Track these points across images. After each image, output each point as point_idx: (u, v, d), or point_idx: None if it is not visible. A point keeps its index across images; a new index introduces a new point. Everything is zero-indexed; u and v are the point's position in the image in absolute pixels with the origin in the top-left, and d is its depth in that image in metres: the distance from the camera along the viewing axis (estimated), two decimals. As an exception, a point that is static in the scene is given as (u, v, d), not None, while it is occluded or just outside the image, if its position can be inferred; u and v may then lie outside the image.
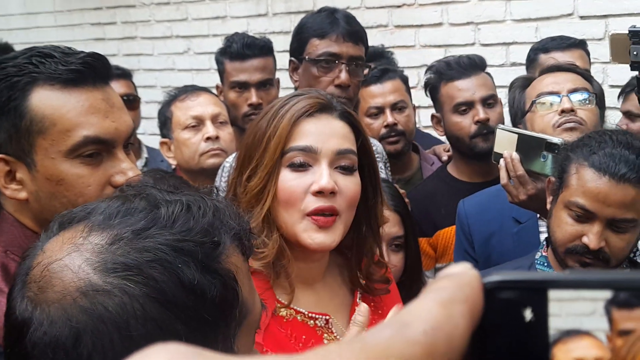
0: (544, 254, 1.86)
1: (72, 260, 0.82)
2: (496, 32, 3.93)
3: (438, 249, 2.57)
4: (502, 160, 2.03)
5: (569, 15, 3.69)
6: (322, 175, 1.38)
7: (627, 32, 2.03)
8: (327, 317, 1.45)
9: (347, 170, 1.42)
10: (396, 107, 2.81)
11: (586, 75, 2.25)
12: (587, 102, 2.12)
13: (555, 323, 0.45)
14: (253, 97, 2.78)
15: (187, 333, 0.80)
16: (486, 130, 2.51)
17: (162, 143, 2.68)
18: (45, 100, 1.28)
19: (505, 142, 2.05)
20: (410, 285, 2.11)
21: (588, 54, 2.91)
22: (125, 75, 3.60)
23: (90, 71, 1.32)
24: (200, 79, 4.75)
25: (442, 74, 2.60)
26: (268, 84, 2.86)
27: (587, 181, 1.69)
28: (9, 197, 1.33)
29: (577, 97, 2.11)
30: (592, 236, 1.68)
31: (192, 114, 2.59)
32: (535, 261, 1.89)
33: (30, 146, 1.28)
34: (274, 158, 1.38)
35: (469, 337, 0.43)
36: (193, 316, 0.81)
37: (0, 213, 1.38)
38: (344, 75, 2.29)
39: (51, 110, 1.28)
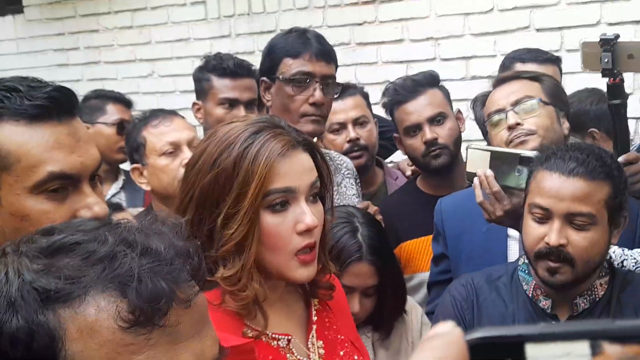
0: (526, 261, 1.89)
1: None
2: (456, 47, 4.00)
3: (401, 260, 2.59)
4: (476, 179, 2.05)
5: (526, 28, 3.77)
6: (305, 214, 1.38)
7: (598, 40, 2.08)
8: (289, 337, 1.44)
9: (315, 199, 1.43)
10: (358, 122, 2.86)
11: (534, 76, 2.28)
12: (533, 108, 2.15)
13: None
14: (243, 114, 2.79)
15: None
16: (435, 148, 2.60)
17: (133, 169, 2.67)
18: (10, 136, 1.27)
19: (477, 161, 2.07)
20: (388, 325, 2.12)
21: (561, 71, 2.94)
22: (131, 104, 3.66)
23: (55, 106, 1.30)
24: (165, 102, 4.76)
25: (392, 99, 2.69)
26: (255, 103, 2.88)
27: (541, 181, 1.78)
28: None
29: (521, 107, 2.16)
30: (551, 233, 1.74)
31: (168, 139, 2.58)
32: (518, 267, 1.93)
33: None
34: (255, 203, 1.34)
35: None
36: None
37: None
38: (318, 94, 2.32)
39: (16, 146, 1.27)
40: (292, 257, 1.39)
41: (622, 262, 1.96)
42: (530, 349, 0.50)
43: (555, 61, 2.85)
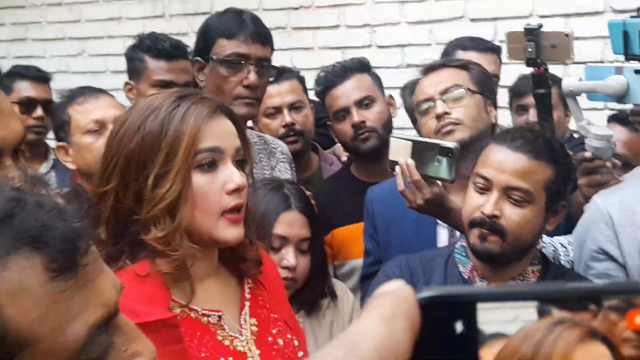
0: (463, 244, 1.92)
1: None
2: (391, 34, 4.02)
3: (334, 247, 2.59)
4: (397, 167, 2.06)
5: (460, 17, 3.81)
6: (233, 174, 1.41)
7: (523, 29, 2.11)
8: (220, 314, 1.45)
9: (240, 165, 1.46)
10: (293, 107, 2.83)
11: (462, 64, 2.29)
12: (460, 97, 2.17)
13: (483, 329, 0.49)
14: None
15: None
16: (363, 131, 2.60)
17: (58, 147, 2.59)
18: None
19: (399, 150, 2.08)
20: (314, 287, 2.13)
21: (501, 60, 2.96)
22: (45, 79, 3.47)
23: None
24: (95, 81, 4.59)
25: (322, 86, 2.69)
26: (190, 86, 2.82)
27: (488, 153, 1.84)
28: None
29: (449, 96, 2.17)
30: (487, 203, 1.79)
31: (93, 117, 2.50)
32: (455, 250, 1.96)
33: None
34: (187, 161, 1.37)
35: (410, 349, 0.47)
36: None
37: None
38: (252, 76, 2.29)
39: None
40: (220, 216, 1.41)
41: (540, 249, 2.01)
42: (481, 315, 0.49)
43: (496, 50, 2.89)
